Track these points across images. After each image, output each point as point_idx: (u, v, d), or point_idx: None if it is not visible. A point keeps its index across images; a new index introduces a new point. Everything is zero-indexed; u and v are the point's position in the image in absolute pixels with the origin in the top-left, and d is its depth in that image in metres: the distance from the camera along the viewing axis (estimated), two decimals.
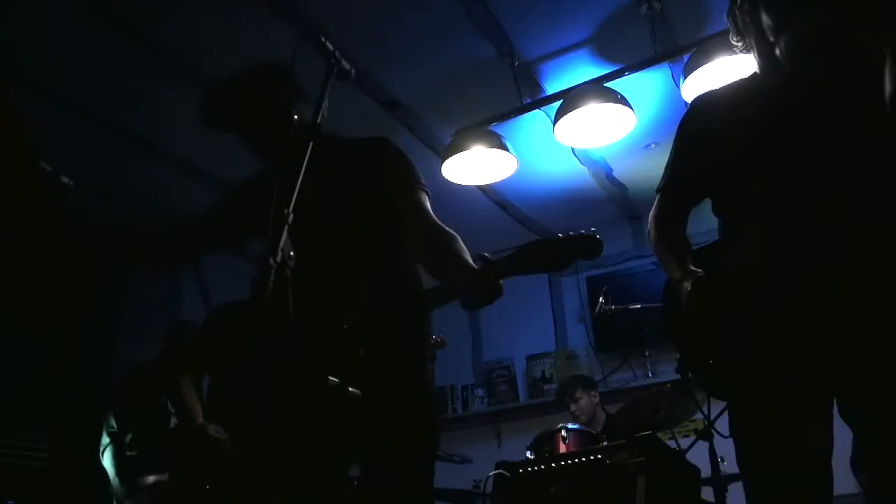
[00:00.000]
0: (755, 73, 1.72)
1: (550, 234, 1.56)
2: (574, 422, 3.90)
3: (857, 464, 1.50)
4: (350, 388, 1.54)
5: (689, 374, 1.67)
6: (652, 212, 1.83)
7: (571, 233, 1.52)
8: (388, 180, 1.82)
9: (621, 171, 4.60)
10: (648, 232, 1.83)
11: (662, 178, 1.82)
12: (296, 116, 1.88)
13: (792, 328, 1.49)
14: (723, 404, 1.91)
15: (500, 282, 1.57)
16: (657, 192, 1.83)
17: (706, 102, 1.79)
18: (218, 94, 1.98)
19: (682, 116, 1.82)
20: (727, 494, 3.05)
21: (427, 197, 1.84)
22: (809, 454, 1.51)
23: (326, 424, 1.64)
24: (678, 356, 1.70)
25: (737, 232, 1.68)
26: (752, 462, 1.58)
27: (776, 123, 1.59)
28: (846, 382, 1.49)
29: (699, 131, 1.76)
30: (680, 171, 1.79)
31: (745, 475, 1.62)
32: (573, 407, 4.02)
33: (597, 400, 4.08)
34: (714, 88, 1.82)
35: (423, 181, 1.85)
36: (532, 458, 3.18)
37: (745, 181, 1.63)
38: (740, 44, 1.72)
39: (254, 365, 1.82)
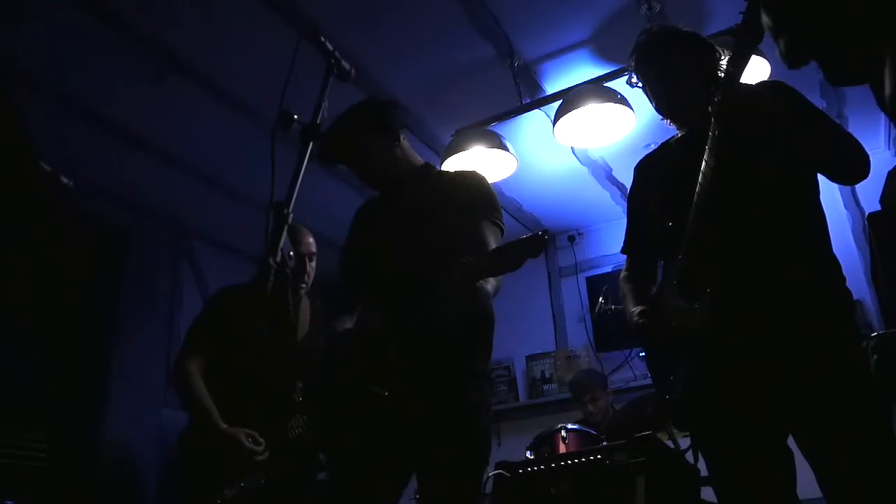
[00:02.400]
0: (677, 134, 1.98)
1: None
2: (589, 420, 3.90)
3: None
4: (378, 390, 1.75)
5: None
6: (622, 273, 2.08)
7: (521, 237, 1.70)
8: (465, 209, 1.99)
9: (621, 171, 4.60)
10: (620, 286, 2.06)
11: (624, 240, 2.09)
12: (398, 150, 2.09)
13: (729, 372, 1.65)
14: None
15: (482, 286, 1.83)
16: (622, 252, 2.09)
17: (643, 170, 2.06)
18: (328, 138, 2.11)
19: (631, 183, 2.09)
20: None
21: (498, 230, 1.99)
22: (768, 477, 1.63)
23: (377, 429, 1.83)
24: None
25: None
26: (719, 483, 1.75)
27: (684, 190, 1.76)
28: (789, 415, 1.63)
29: (640, 199, 2.02)
30: (635, 236, 2.06)
31: (716, 494, 1.79)
32: (591, 407, 3.96)
33: (611, 399, 4.07)
34: (652, 152, 2.08)
35: (498, 214, 2.01)
36: (532, 458, 3.18)
37: (676, 241, 1.80)
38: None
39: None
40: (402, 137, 2.12)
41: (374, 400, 1.76)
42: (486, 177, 4.10)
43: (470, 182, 2.06)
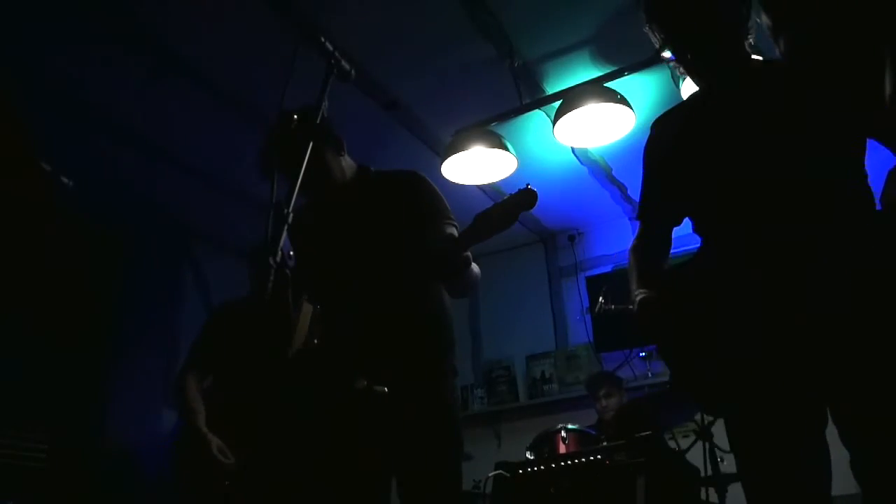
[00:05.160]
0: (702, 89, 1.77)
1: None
2: (602, 417, 3.91)
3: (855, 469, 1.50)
4: (376, 387, 1.78)
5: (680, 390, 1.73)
6: (632, 243, 1.89)
7: (510, 193, 1.73)
8: (420, 212, 2.02)
9: (621, 171, 4.60)
10: (629, 256, 1.89)
11: (639, 206, 1.89)
12: (343, 159, 2.09)
13: (774, 348, 1.50)
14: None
15: (466, 254, 1.81)
16: (636, 219, 1.89)
17: (665, 125, 1.83)
18: (263, 149, 2.14)
19: (645, 142, 1.86)
20: (727, 494, 3.05)
21: (455, 229, 2.02)
22: (804, 466, 1.53)
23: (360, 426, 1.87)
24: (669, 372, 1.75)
25: (713, 249, 1.70)
26: (750, 474, 1.61)
27: (735, 142, 1.62)
28: (835, 399, 1.50)
29: (663, 157, 1.80)
30: (652, 200, 1.85)
31: (744, 486, 1.64)
32: (605, 402, 3.99)
33: (625, 399, 4.08)
34: (670, 109, 1.87)
35: (450, 214, 2.06)
36: (532, 458, 3.18)
37: (712, 202, 1.67)
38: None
39: (273, 370, 2.01)
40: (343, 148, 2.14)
41: (373, 398, 1.79)
42: (487, 177, 4.14)
43: (417, 185, 2.10)
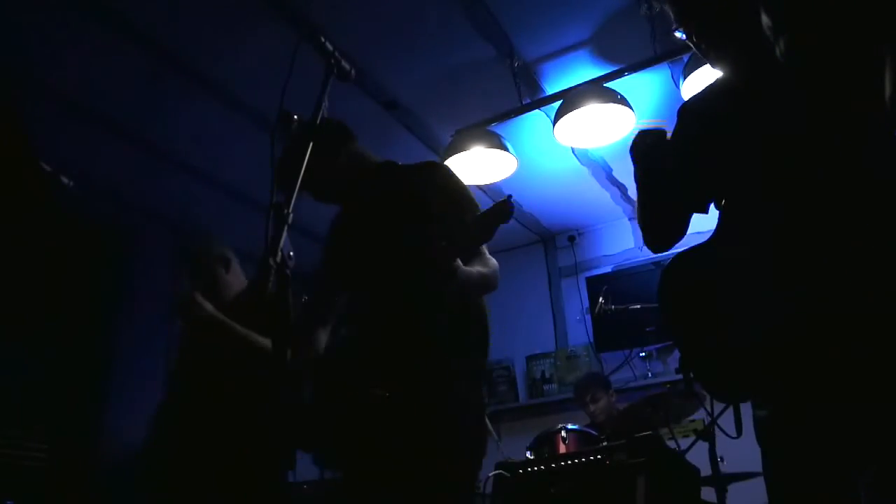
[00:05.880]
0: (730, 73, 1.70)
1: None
2: (593, 421, 3.90)
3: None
4: (386, 390, 1.79)
5: (691, 374, 1.67)
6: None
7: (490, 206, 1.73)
8: (442, 203, 2.01)
9: (621, 171, 4.60)
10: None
11: None
12: (340, 162, 2.10)
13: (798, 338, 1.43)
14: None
15: (455, 263, 1.82)
16: None
17: (695, 108, 1.77)
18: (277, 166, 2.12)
19: (674, 126, 1.80)
20: (727, 494, 3.05)
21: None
22: (838, 459, 1.45)
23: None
24: (679, 356, 1.70)
25: (737, 233, 1.63)
26: (779, 469, 1.53)
27: (770, 127, 1.57)
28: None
29: (693, 140, 1.74)
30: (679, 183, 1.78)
31: (769, 480, 1.56)
32: (592, 407, 3.97)
33: (614, 399, 4.07)
34: (699, 92, 1.81)
35: (472, 203, 2.04)
36: (532, 458, 3.18)
37: (743, 189, 1.62)
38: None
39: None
40: (343, 148, 2.11)
41: (374, 402, 1.78)
42: (487, 177, 4.12)
43: (434, 176, 2.09)
